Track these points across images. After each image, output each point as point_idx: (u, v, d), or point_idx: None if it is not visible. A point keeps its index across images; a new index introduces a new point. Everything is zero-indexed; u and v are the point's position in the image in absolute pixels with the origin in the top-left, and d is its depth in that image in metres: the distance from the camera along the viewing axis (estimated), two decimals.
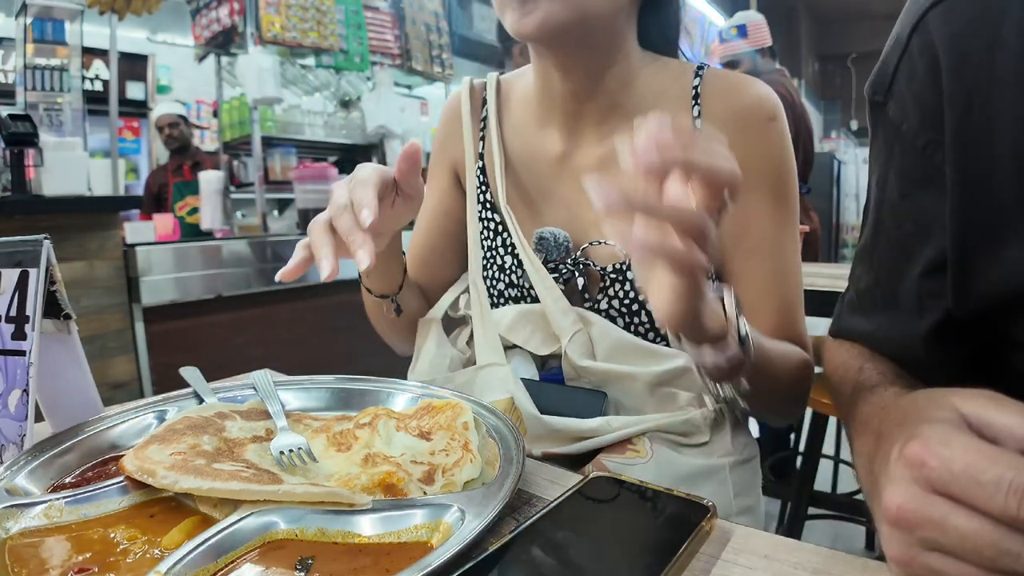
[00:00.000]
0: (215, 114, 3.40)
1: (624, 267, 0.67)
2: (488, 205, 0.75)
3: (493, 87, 0.77)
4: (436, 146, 0.83)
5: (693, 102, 0.67)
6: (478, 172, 0.76)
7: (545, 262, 0.70)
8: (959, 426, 0.28)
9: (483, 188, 0.75)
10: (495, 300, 0.74)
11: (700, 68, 0.70)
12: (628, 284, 0.67)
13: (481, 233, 0.76)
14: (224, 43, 2.83)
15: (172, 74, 4.91)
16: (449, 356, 0.73)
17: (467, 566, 0.32)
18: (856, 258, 0.58)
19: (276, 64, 2.68)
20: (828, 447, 2.29)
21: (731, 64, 2.91)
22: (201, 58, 3.04)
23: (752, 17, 2.90)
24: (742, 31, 2.87)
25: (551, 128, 0.72)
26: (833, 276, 1.59)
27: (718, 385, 0.55)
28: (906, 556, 0.28)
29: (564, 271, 0.69)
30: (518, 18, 0.60)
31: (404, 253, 0.74)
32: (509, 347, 0.70)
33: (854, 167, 7.70)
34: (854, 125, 8.97)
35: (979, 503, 0.25)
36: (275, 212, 3.06)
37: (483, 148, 0.76)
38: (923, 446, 0.28)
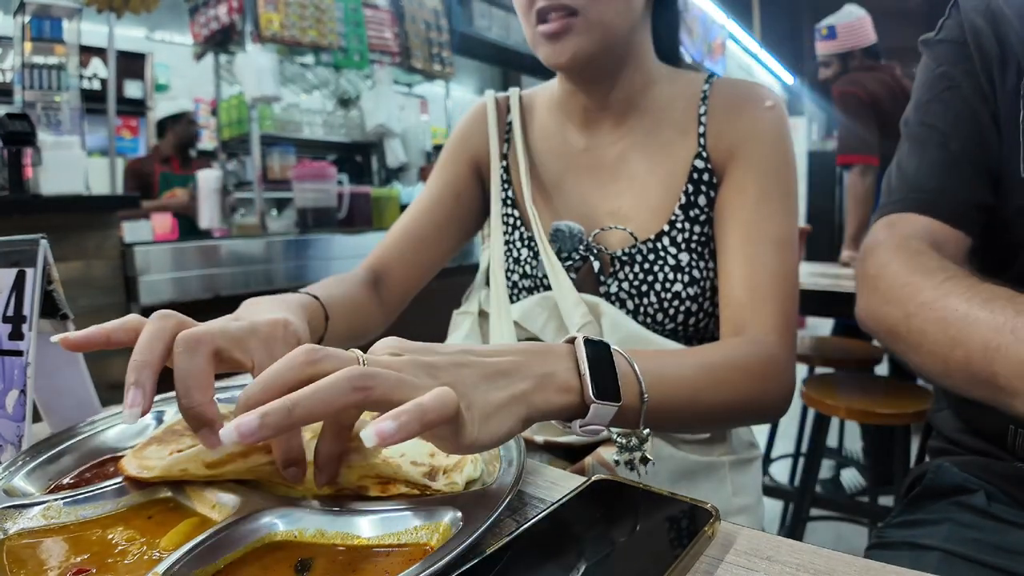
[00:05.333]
0: (213, 113, 3.39)
1: (633, 250, 0.70)
2: (509, 202, 0.80)
3: (516, 100, 0.83)
4: (457, 138, 0.85)
5: (701, 103, 0.73)
6: (502, 172, 0.81)
7: (559, 252, 0.73)
8: None
9: (506, 187, 0.81)
10: (510, 291, 0.77)
11: (711, 76, 0.76)
12: (637, 267, 0.70)
13: (501, 228, 0.80)
14: (222, 41, 2.82)
15: (170, 72, 4.89)
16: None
17: (466, 567, 0.32)
18: (903, 150, 0.67)
19: (275, 62, 2.67)
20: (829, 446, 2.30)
21: (824, 64, 2.73)
22: (199, 56, 3.03)
23: (844, 17, 2.63)
24: (831, 33, 2.64)
25: (573, 128, 0.78)
26: (834, 276, 1.59)
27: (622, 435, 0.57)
28: None
29: (576, 258, 0.72)
30: (550, 52, 0.67)
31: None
32: (522, 340, 0.72)
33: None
34: None
35: None
36: (274, 211, 3.05)
37: (507, 150, 0.82)
38: None
